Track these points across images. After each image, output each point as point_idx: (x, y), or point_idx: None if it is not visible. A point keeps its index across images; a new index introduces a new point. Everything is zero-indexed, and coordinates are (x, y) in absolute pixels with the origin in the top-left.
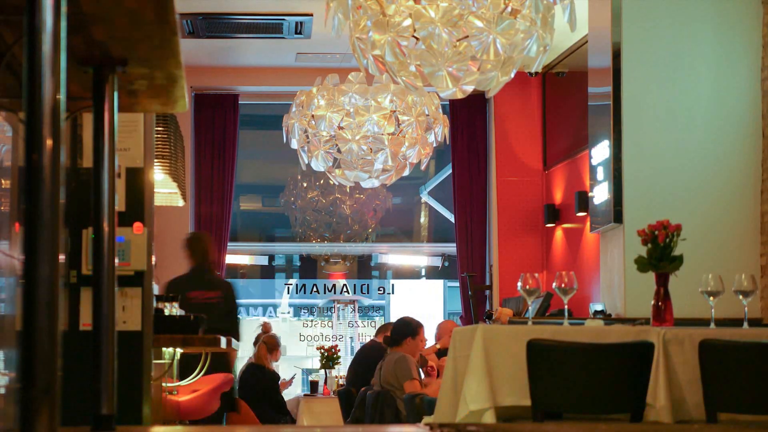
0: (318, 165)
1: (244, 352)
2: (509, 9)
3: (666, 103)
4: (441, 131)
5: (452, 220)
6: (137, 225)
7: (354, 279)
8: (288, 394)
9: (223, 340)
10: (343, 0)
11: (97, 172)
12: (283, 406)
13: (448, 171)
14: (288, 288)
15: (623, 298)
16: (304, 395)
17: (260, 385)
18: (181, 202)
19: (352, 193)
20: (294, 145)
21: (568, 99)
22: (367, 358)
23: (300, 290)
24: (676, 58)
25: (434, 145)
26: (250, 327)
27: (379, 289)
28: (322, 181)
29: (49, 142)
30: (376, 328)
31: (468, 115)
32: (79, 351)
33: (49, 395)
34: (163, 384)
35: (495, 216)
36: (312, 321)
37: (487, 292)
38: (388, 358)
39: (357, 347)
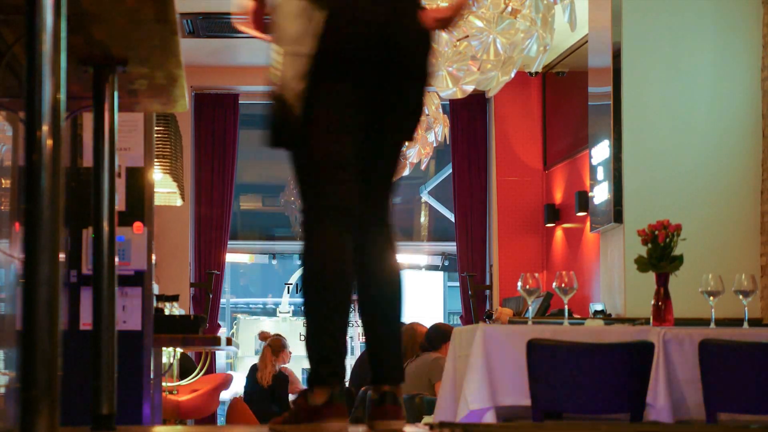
0: None
1: (244, 352)
2: (509, 9)
3: (666, 103)
4: (441, 131)
5: (452, 219)
6: (137, 225)
7: None
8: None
9: (223, 340)
10: None
11: (97, 172)
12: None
13: (448, 171)
14: (288, 287)
15: (623, 298)
16: None
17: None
18: (180, 202)
19: None
20: None
21: (568, 99)
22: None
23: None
24: (676, 58)
25: (434, 145)
26: (250, 327)
27: None
28: None
29: (49, 142)
30: None
31: (468, 115)
32: (79, 351)
33: (49, 395)
34: (164, 384)
35: (495, 216)
36: None
37: (487, 291)
38: (423, 358)
39: (357, 347)
